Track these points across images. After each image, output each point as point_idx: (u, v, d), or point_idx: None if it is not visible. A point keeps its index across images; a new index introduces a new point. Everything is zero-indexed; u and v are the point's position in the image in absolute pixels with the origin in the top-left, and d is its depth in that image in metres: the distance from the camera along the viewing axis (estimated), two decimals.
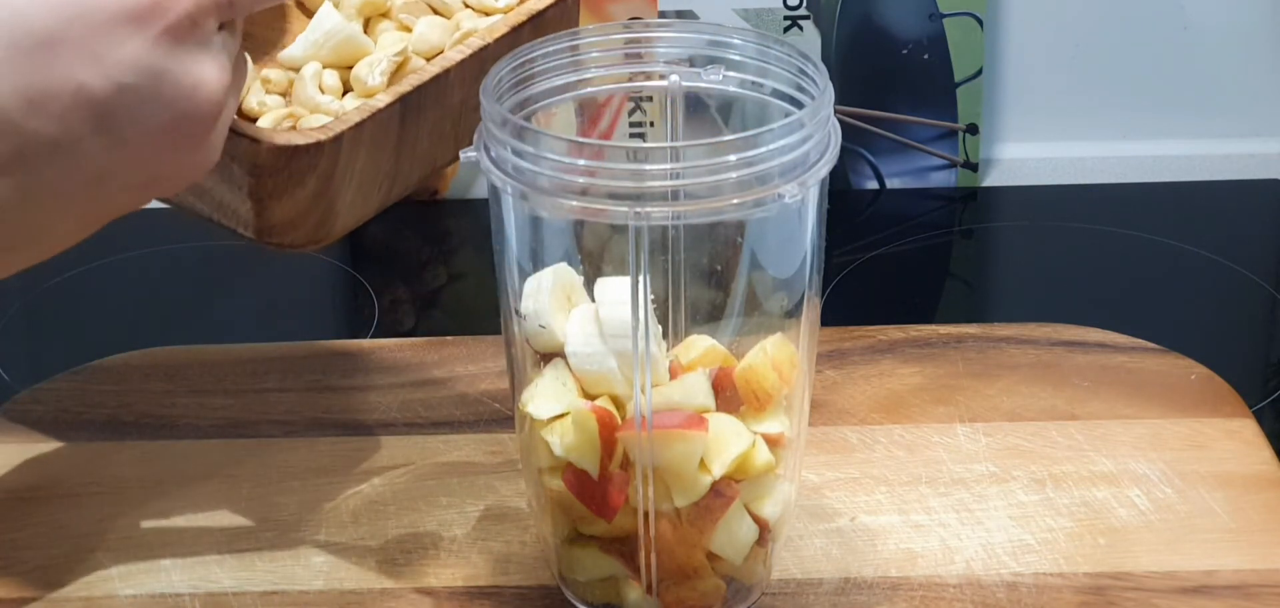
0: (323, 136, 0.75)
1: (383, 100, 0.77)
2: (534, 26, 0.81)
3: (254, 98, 0.80)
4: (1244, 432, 0.93)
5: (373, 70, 0.80)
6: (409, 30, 0.83)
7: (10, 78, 0.59)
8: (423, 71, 0.79)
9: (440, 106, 0.80)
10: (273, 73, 0.81)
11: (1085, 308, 1.18)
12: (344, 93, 0.81)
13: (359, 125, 0.76)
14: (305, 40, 0.82)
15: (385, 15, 0.85)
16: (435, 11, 0.84)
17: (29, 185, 0.60)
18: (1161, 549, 0.85)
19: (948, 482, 0.90)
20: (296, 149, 0.74)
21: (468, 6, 0.85)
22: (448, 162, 0.82)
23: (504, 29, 0.81)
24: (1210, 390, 0.97)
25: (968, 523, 0.87)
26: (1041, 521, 0.87)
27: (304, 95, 0.79)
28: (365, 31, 0.84)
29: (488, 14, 0.84)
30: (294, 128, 0.77)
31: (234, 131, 0.73)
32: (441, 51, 0.81)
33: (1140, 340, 1.01)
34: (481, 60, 0.79)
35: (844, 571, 0.84)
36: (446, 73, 0.79)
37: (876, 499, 0.89)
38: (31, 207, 0.61)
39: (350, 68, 0.81)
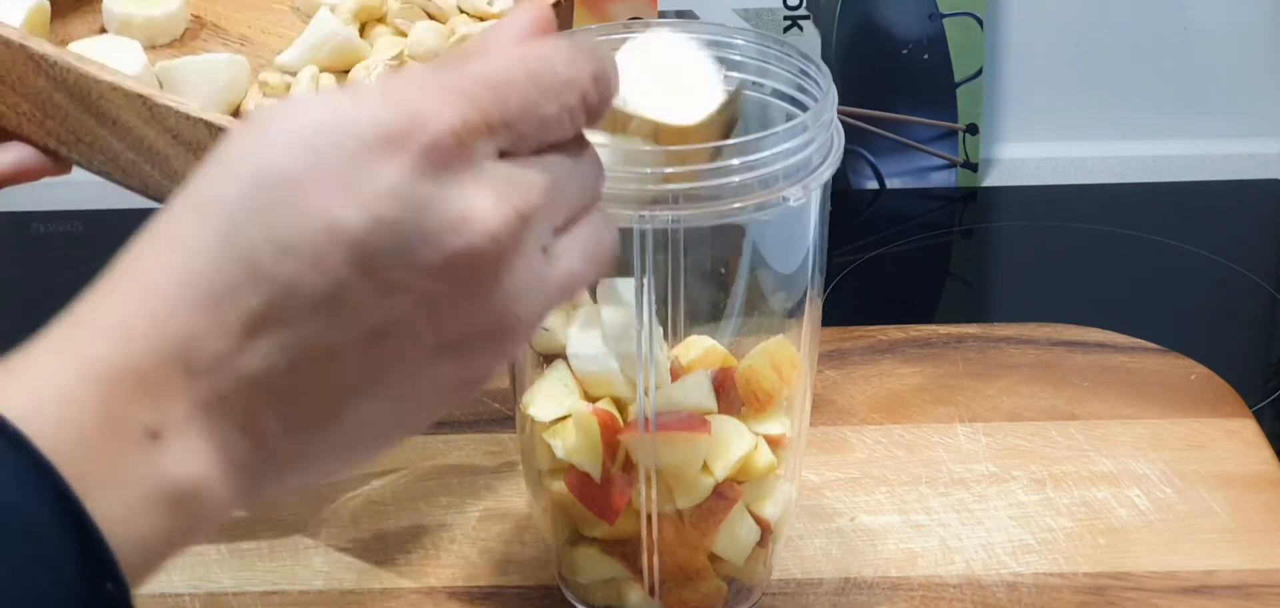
0: None
1: None
2: None
3: (251, 101, 0.80)
4: (1244, 432, 0.93)
5: (370, 74, 0.79)
6: (405, 35, 0.83)
7: (260, 219, 0.51)
8: None
9: None
10: (270, 76, 0.81)
11: (1085, 308, 1.18)
12: None
13: None
14: (302, 44, 0.82)
15: (380, 20, 0.85)
16: (430, 17, 0.84)
17: (294, 345, 0.52)
18: (1161, 549, 0.85)
19: (948, 482, 0.90)
20: None
21: (462, 12, 0.85)
22: None
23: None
24: (1210, 390, 0.97)
25: (968, 523, 0.87)
26: (1041, 521, 0.87)
27: None
28: (361, 36, 0.84)
29: (482, 19, 0.84)
30: None
31: (209, 124, 0.72)
32: (438, 56, 0.81)
33: (1140, 340, 1.01)
34: None
35: (844, 571, 0.84)
36: None
37: (876, 499, 0.89)
38: (307, 371, 0.52)
39: (347, 72, 0.81)
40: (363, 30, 0.84)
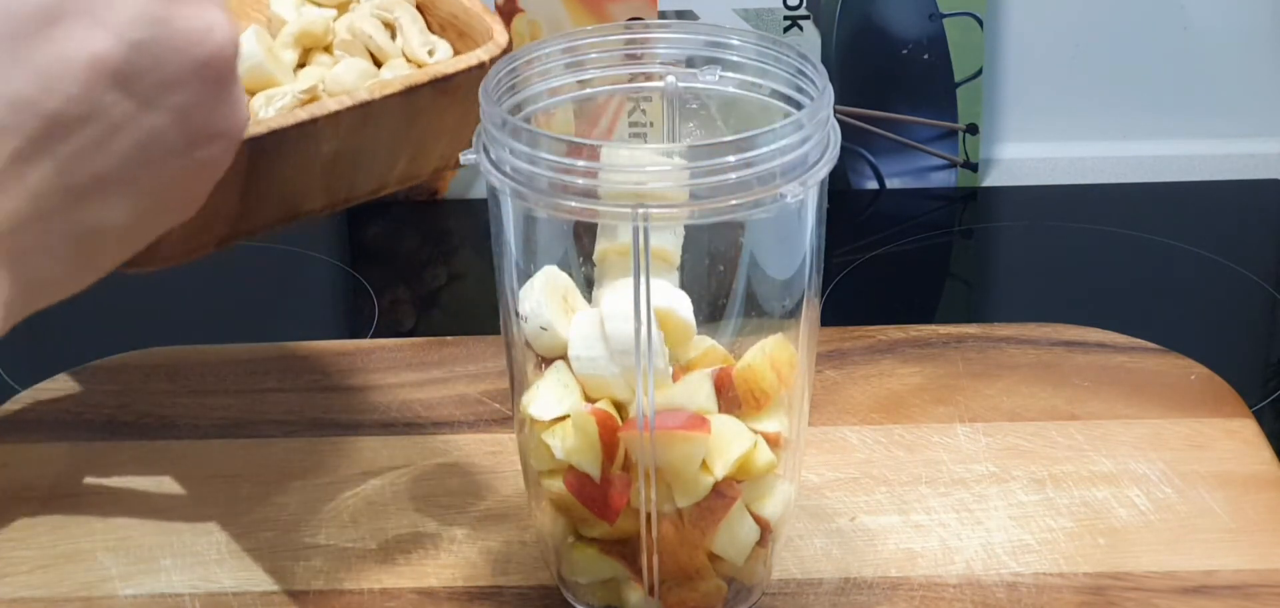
0: None
1: None
2: (434, 89, 0.78)
3: None
4: (1244, 432, 0.93)
5: (269, 104, 0.78)
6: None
7: (19, 60, 0.57)
8: (288, 116, 0.75)
9: (302, 154, 0.76)
10: None
11: (1085, 308, 1.18)
12: None
13: None
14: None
15: (327, 48, 0.84)
16: (371, 55, 0.83)
17: (67, 167, 0.58)
18: (1161, 549, 0.85)
19: (948, 482, 0.90)
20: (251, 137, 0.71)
21: (405, 56, 0.84)
22: (317, 208, 0.79)
23: (398, 87, 0.77)
24: (1210, 390, 0.97)
25: (968, 523, 0.87)
26: (1041, 521, 0.87)
27: None
28: (303, 62, 0.83)
29: (419, 66, 0.82)
30: None
31: None
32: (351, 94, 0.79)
33: (1140, 340, 1.01)
34: (365, 113, 0.76)
35: (844, 571, 0.84)
36: (313, 122, 0.75)
37: (876, 499, 0.89)
38: (78, 192, 0.59)
39: (253, 94, 0.80)
40: (306, 56, 0.83)
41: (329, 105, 0.76)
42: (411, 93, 0.77)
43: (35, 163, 0.57)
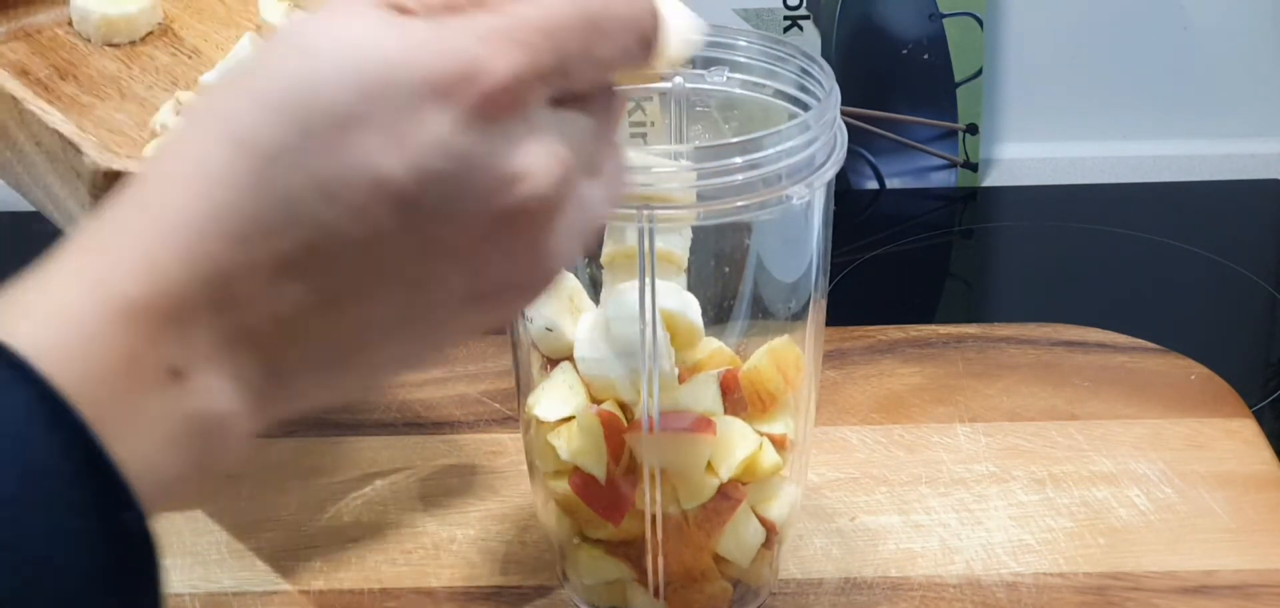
0: None
1: None
2: None
3: (159, 120, 0.78)
4: (1244, 432, 0.93)
5: None
6: None
7: (303, 163, 0.49)
8: None
9: None
10: (188, 96, 0.80)
11: (1085, 308, 1.18)
12: None
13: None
14: (222, 68, 0.80)
15: None
16: None
17: (329, 288, 0.51)
18: (1161, 549, 0.85)
19: (948, 482, 0.90)
20: (124, 175, 0.70)
21: None
22: None
23: None
24: (1210, 390, 0.97)
25: (968, 523, 0.87)
26: (1041, 521, 0.87)
27: None
28: None
29: None
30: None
31: (70, 143, 0.71)
32: None
33: (1140, 340, 1.01)
34: None
35: (845, 571, 0.84)
36: None
37: (876, 499, 0.89)
38: (336, 314, 0.51)
39: None
40: None
41: None
42: None
43: (298, 274, 0.50)
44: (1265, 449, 0.92)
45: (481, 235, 0.51)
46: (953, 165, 1.34)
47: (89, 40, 0.85)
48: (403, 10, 0.51)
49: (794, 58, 0.77)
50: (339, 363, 0.53)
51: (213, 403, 0.49)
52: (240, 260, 0.49)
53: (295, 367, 0.52)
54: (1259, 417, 0.96)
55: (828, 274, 0.78)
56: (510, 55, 0.50)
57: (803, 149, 0.72)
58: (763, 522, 0.78)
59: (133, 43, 0.85)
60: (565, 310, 0.76)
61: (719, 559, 0.78)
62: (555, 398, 0.76)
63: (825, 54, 1.30)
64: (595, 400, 0.76)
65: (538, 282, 0.54)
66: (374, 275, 0.51)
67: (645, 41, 0.54)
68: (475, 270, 0.52)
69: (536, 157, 0.51)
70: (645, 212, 0.71)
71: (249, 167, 0.49)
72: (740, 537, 0.77)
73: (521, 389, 0.78)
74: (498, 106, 0.50)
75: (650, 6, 0.54)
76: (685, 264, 0.76)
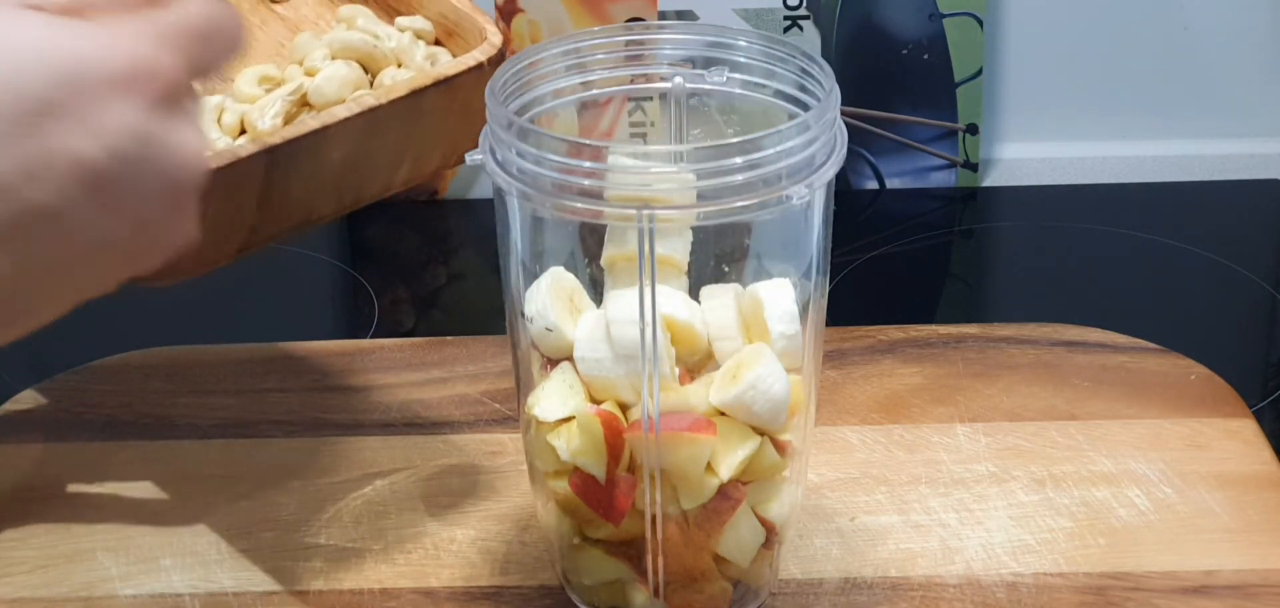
0: None
1: (246, 149, 0.75)
2: (437, 91, 0.79)
3: None
4: (1244, 432, 0.93)
5: (264, 114, 0.79)
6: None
7: (8, 148, 0.58)
8: (300, 125, 0.76)
9: (316, 161, 0.77)
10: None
11: (1085, 308, 1.18)
12: (240, 132, 0.81)
13: (211, 171, 0.70)
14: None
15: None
16: (362, 65, 0.83)
17: (25, 255, 0.60)
18: (1161, 549, 0.85)
19: (948, 482, 0.90)
20: None
21: (400, 65, 0.84)
22: (328, 214, 0.80)
23: (402, 91, 0.78)
24: (1210, 390, 0.97)
25: (968, 523, 0.87)
26: (1041, 521, 0.87)
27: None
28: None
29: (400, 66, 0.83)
30: None
31: None
32: (342, 101, 0.80)
33: (1140, 340, 1.01)
34: (372, 119, 0.77)
35: (845, 571, 0.84)
36: (325, 129, 0.76)
37: (876, 499, 0.89)
38: (26, 277, 0.60)
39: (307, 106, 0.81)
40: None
41: (339, 113, 0.76)
42: (416, 95, 0.78)
43: (2, 248, 0.59)
44: (1265, 449, 0.92)
45: (155, 204, 0.62)
46: (953, 165, 1.34)
47: None
48: (39, 10, 0.61)
49: (794, 58, 0.77)
50: (15, 316, 0.61)
51: None
52: None
53: None
54: (1259, 417, 0.96)
55: (828, 274, 0.78)
56: (174, 56, 0.62)
57: (803, 149, 0.72)
58: (763, 522, 0.78)
59: None
60: (565, 311, 0.76)
61: (719, 559, 0.78)
62: (555, 398, 0.76)
63: (825, 54, 1.30)
64: (595, 401, 0.76)
65: (186, 238, 0.65)
66: (65, 245, 0.60)
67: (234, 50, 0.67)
68: (144, 235, 0.63)
69: (192, 134, 0.63)
70: (645, 213, 0.71)
71: None
72: (740, 537, 0.77)
73: (521, 389, 0.78)
74: (170, 96, 0.62)
75: (237, 23, 0.66)
76: (686, 268, 0.76)
